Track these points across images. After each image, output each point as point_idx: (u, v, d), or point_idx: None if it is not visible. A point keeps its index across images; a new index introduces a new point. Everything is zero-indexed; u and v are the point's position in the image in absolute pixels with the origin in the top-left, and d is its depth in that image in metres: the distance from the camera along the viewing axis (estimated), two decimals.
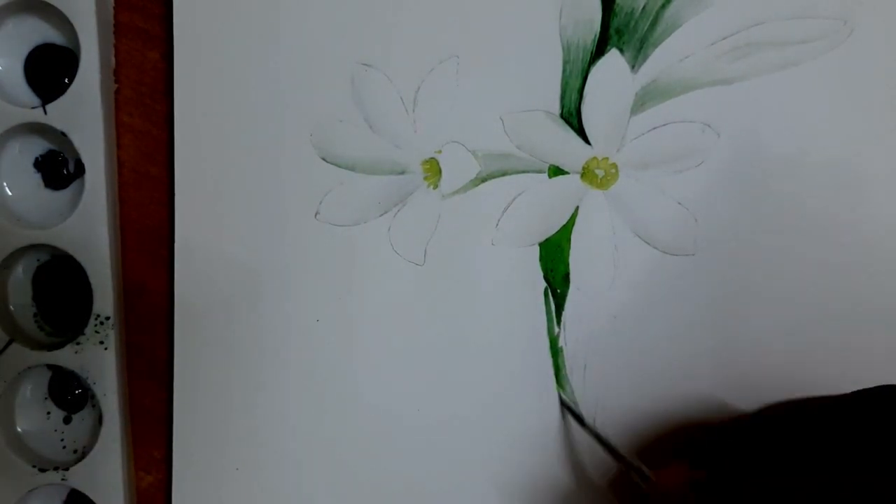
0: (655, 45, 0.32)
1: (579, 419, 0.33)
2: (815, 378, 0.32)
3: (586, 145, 0.33)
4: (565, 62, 0.32)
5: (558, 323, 0.34)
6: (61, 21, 0.33)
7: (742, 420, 0.31)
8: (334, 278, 0.34)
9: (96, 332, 0.35)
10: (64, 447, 0.36)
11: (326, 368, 0.35)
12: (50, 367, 0.36)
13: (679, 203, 0.33)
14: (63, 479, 0.35)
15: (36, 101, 0.35)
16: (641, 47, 0.32)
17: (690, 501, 0.27)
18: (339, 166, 0.34)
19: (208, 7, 0.33)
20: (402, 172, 0.34)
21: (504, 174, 0.33)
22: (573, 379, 0.34)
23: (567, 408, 0.33)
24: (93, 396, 0.35)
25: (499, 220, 0.33)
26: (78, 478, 0.35)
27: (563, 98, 0.33)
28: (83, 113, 0.33)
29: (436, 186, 0.34)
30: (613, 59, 0.32)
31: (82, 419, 0.37)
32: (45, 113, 0.34)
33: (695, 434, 0.33)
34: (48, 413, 0.37)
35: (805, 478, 0.25)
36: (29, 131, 0.35)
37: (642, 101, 0.32)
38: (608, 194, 0.33)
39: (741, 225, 0.32)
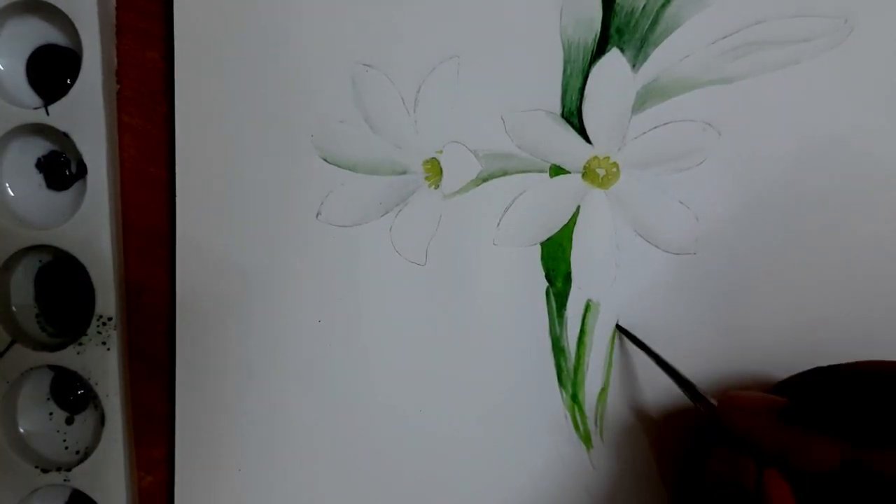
0: (656, 45, 0.32)
1: (641, 344, 0.32)
2: None
3: (587, 144, 0.33)
4: (566, 62, 0.32)
5: (560, 322, 0.34)
6: (63, 22, 0.33)
7: (815, 371, 0.29)
8: (336, 279, 0.34)
9: (98, 332, 0.35)
10: (66, 448, 0.37)
11: (328, 369, 0.35)
12: (52, 367, 0.36)
13: (680, 202, 0.33)
14: (65, 480, 0.35)
15: (38, 101, 0.35)
16: (642, 46, 0.32)
17: (769, 425, 0.26)
18: (341, 167, 0.34)
19: (208, 7, 0.33)
20: (404, 173, 0.34)
21: (505, 174, 0.33)
22: (575, 378, 0.34)
23: (627, 334, 0.33)
24: (95, 397, 0.35)
25: (500, 220, 0.33)
26: (80, 478, 0.35)
27: (563, 97, 0.33)
28: (85, 113, 0.33)
29: (437, 186, 0.34)
30: (614, 59, 0.32)
31: (84, 420, 0.37)
32: (48, 114, 0.34)
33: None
34: (50, 414, 0.37)
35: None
36: (31, 132, 0.35)
37: (643, 100, 0.32)
38: (609, 193, 0.33)
39: (742, 224, 0.32)
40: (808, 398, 0.28)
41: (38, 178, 0.36)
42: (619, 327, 0.33)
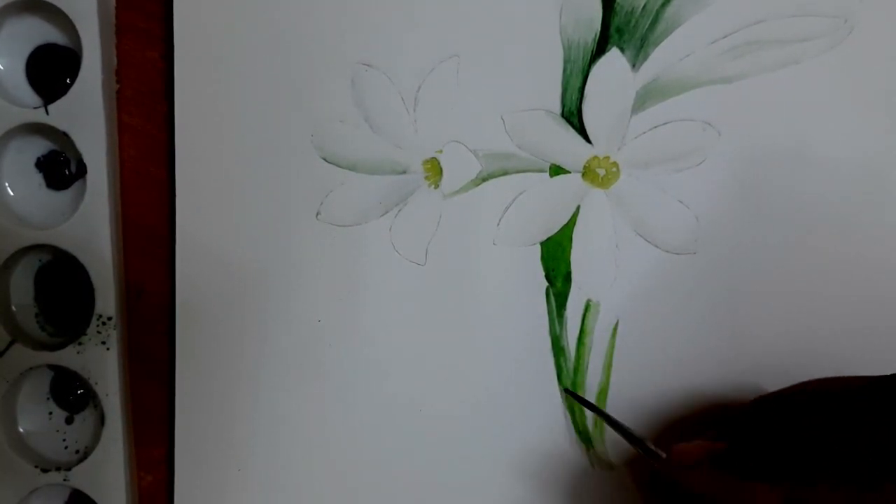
0: (656, 44, 0.32)
1: (589, 404, 0.32)
2: (818, 376, 0.32)
3: (587, 144, 0.33)
4: (566, 61, 0.32)
5: (560, 322, 0.34)
6: (63, 21, 0.33)
7: (764, 399, 0.30)
8: (336, 278, 0.34)
9: (98, 332, 0.35)
10: (66, 447, 0.37)
11: (328, 369, 0.35)
12: (52, 367, 0.36)
13: (680, 202, 0.32)
14: (65, 480, 0.35)
15: (38, 101, 0.35)
16: (642, 46, 0.32)
17: (706, 474, 0.26)
18: (340, 166, 0.34)
19: (208, 7, 0.33)
20: (403, 172, 0.34)
21: (505, 173, 0.33)
22: (575, 378, 0.34)
23: (575, 396, 0.33)
24: (94, 397, 0.35)
25: (500, 220, 0.33)
26: (80, 478, 0.35)
27: (563, 97, 0.33)
28: (85, 113, 0.34)
29: (437, 186, 0.34)
30: (614, 58, 0.32)
31: (84, 419, 0.37)
32: (47, 113, 0.34)
33: (714, 412, 0.32)
34: (50, 413, 0.37)
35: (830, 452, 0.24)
36: (30, 131, 0.35)
37: (643, 100, 0.32)
38: (609, 193, 0.33)
39: (742, 223, 0.32)
40: (751, 434, 0.27)
41: (38, 178, 0.36)
42: (567, 391, 0.33)
